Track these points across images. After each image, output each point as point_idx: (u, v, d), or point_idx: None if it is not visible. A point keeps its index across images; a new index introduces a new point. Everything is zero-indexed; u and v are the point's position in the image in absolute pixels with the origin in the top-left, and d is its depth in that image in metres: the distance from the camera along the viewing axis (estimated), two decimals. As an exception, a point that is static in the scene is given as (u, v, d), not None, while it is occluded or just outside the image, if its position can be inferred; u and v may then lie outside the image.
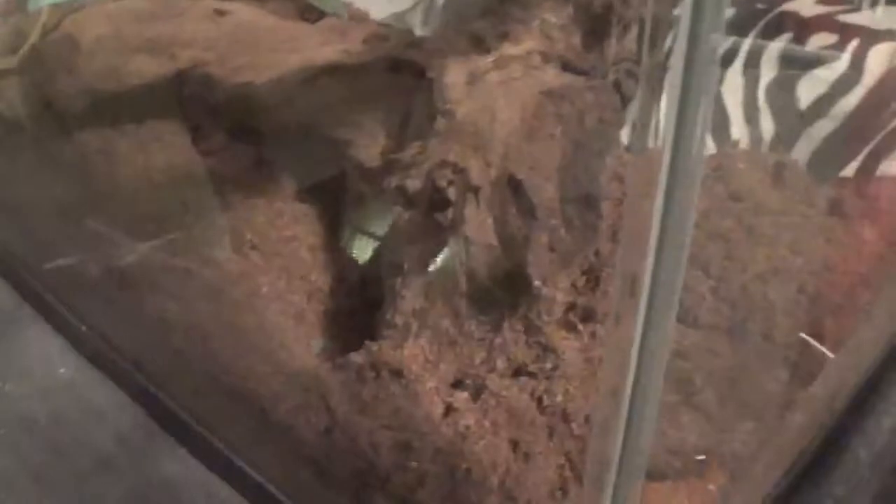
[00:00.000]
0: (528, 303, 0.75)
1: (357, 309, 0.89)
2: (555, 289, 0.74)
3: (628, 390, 0.57)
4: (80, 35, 0.95)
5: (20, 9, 1.19)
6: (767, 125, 1.17)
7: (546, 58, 0.86)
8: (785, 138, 1.14)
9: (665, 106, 0.49)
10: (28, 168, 1.03)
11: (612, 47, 0.93)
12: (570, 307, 0.77)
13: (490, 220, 0.76)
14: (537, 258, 0.74)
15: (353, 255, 0.96)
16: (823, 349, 0.89)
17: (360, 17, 1.17)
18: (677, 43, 0.47)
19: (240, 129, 0.97)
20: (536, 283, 0.73)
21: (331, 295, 0.89)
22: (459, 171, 0.78)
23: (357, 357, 0.79)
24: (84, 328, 1.00)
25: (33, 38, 1.06)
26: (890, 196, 1.02)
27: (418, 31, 1.14)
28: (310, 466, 0.80)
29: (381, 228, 0.96)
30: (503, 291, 0.76)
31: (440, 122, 0.82)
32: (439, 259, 0.80)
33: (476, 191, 0.76)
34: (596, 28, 0.92)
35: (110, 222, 0.97)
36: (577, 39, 0.92)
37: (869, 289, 0.91)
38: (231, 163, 0.97)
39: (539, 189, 0.74)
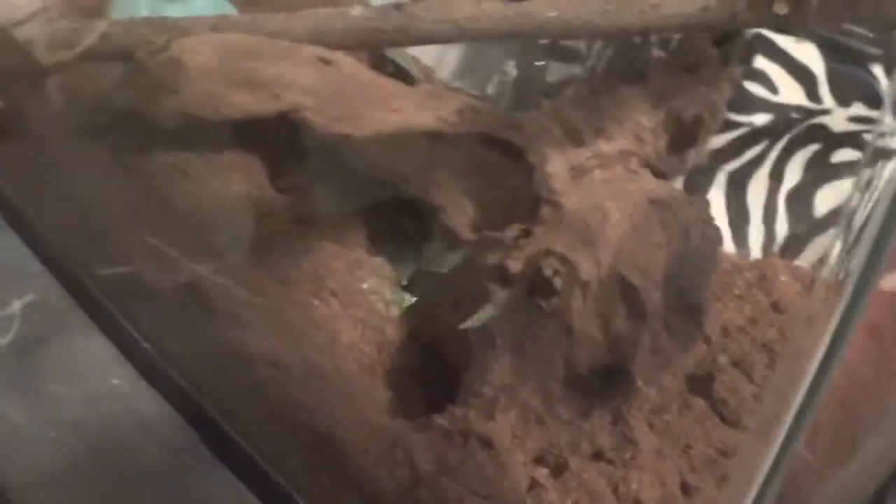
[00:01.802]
0: (621, 397, 0.81)
1: (426, 369, 0.93)
2: (650, 388, 0.80)
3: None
4: (188, 60, 0.98)
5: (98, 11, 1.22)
6: (782, 228, 1.24)
7: (643, 162, 0.92)
8: (796, 243, 1.22)
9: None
10: (98, 172, 1.05)
11: (692, 156, 0.99)
12: (656, 410, 0.83)
13: (597, 316, 0.81)
14: (643, 360, 0.79)
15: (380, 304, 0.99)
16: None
17: (428, 74, 1.22)
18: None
19: (325, 176, 1.00)
20: (640, 382, 0.79)
21: (401, 350, 0.93)
22: (567, 262, 0.83)
23: (443, 420, 0.83)
24: (140, 340, 1.02)
25: (92, 37, 1.08)
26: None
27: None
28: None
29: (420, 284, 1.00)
30: (599, 382, 0.81)
31: (545, 211, 0.87)
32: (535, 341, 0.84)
33: (584, 285, 0.82)
34: (682, 136, 0.98)
35: (179, 240, 0.99)
36: (663, 144, 0.98)
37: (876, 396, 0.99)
38: (308, 205, 1.01)
39: (649, 294, 0.80)
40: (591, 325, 0.80)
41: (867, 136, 1.30)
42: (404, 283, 1.02)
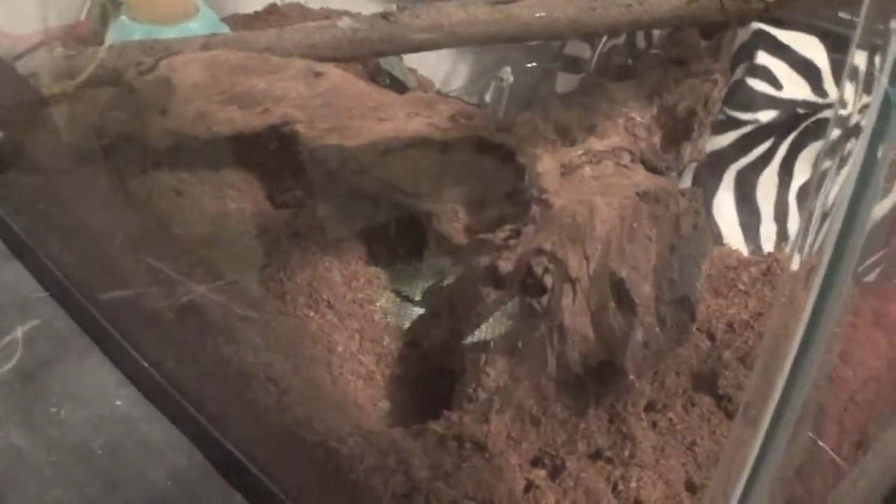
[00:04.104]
0: (616, 393, 0.79)
1: (423, 377, 0.92)
2: (644, 383, 0.79)
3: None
4: (177, 79, 0.98)
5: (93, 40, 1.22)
6: (794, 225, 1.22)
7: (634, 157, 0.91)
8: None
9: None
10: (97, 196, 1.06)
11: (688, 150, 0.98)
12: (651, 406, 0.81)
13: (588, 312, 0.80)
14: (634, 354, 0.78)
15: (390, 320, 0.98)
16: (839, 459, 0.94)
17: (425, 85, 1.21)
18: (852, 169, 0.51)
19: (319, 189, 1.00)
20: (632, 377, 0.77)
21: (399, 360, 0.92)
22: (557, 260, 0.81)
23: (437, 426, 0.82)
24: (142, 362, 1.02)
25: (91, 67, 1.09)
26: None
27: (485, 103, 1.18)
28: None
29: (416, 292, 0.99)
30: (592, 380, 0.80)
31: (535, 210, 0.86)
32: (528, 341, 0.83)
33: (574, 282, 0.80)
34: (677, 130, 0.97)
35: (178, 261, 0.99)
36: (657, 139, 0.97)
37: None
38: (305, 220, 1.00)
39: (639, 288, 0.79)
40: (582, 321, 0.79)
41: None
42: (416, 297, 1.01)
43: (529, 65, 1.11)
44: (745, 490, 0.62)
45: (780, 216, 1.22)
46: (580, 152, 0.90)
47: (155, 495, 0.91)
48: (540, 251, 0.83)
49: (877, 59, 0.52)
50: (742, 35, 1.22)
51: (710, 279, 1.02)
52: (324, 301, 0.94)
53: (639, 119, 0.94)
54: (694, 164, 1.16)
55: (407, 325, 0.99)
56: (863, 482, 0.98)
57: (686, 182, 1.16)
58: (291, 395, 0.89)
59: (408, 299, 1.02)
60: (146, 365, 0.99)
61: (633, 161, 0.91)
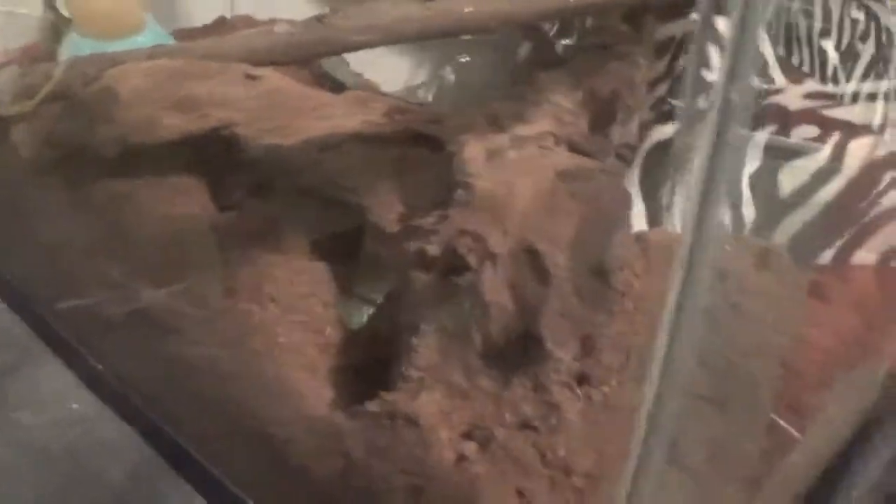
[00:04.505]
0: (537, 362, 0.82)
1: (367, 364, 0.94)
2: (564, 351, 0.81)
3: (635, 453, 0.63)
4: (120, 88, 1.01)
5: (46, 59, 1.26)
6: (749, 211, 1.23)
7: (558, 140, 0.94)
8: (765, 224, 1.21)
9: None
10: (51, 207, 1.08)
11: (616, 132, 1.00)
12: (574, 374, 0.83)
13: (507, 286, 0.82)
14: (550, 322, 0.80)
15: (348, 320, 1.00)
16: (792, 430, 0.95)
17: (371, 88, 1.24)
18: (706, 136, 0.54)
19: (260, 189, 1.02)
20: (549, 345, 0.79)
21: (342, 350, 0.95)
22: (479, 239, 0.84)
23: (373, 406, 0.84)
24: (98, 366, 1.04)
25: (49, 86, 1.12)
26: (866, 283, 1.09)
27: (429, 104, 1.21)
28: (324, 507, 0.85)
29: (377, 295, 1.02)
30: (515, 351, 0.82)
31: (460, 194, 0.89)
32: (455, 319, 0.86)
33: (494, 258, 0.83)
34: (603, 114, 1.00)
35: (128, 266, 1.02)
36: (584, 123, 0.99)
37: (845, 363, 0.99)
38: (249, 219, 1.03)
39: (554, 259, 0.81)
40: (503, 295, 0.82)
41: (823, 112, 1.30)
42: (373, 297, 1.03)
43: (462, 59, 1.14)
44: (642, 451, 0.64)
45: (735, 204, 1.24)
46: (506, 138, 0.93)
47: (112, 493, 0.93)
48: (464, 232, 0.85)
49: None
50: (686, 26, 1.24)
51: (648, 258, 1.04)
52: (267, 296, 0.96)
53: (565, 105, 0.97)
54: (644, 152, 1.19)
55: (361, 322, 1.01)
56: (809, 453, 0.99)
57: (636, 169, 1.18)
58: (236, 388, 0.91)
59: (360, 298, 1.04)
60: (101, 368, 1.01)
61: (557, 144, 0.93)
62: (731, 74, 0.52)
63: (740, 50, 0.52)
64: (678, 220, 1.15)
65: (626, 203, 0.85)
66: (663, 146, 1.25)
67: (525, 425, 0.83)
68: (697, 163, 0.54)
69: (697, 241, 0.56)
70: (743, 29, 0.52)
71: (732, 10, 0.53)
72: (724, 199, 0.54)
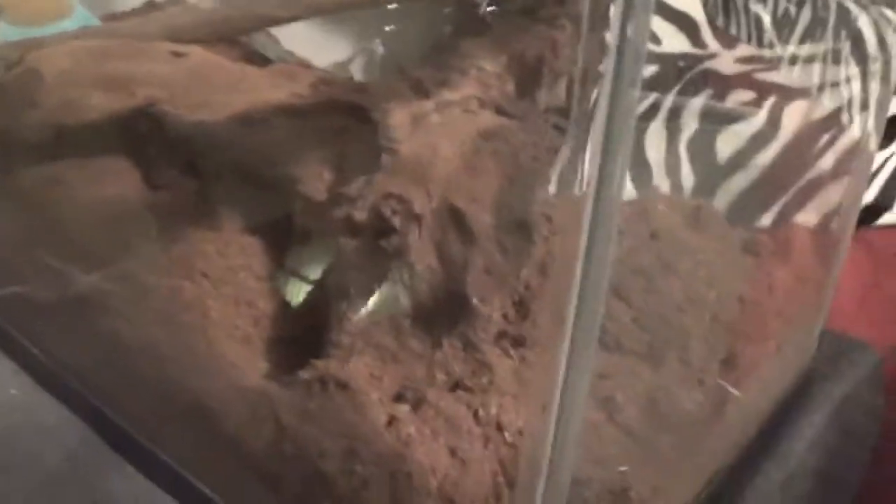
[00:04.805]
0: (466, 321, 0.82)
1: (301, 334, 0.94)
2: (491, 308, 0.81)
3: (556, 406, 0.64)
4: (44, 70, 1.00)
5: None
6: (687, 177, 1.24)
7: (482, 103, 0.94)
8: (704, 190, 1.22)
9: (589, 154, 0.56)
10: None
11: (542, 95, 1.01)
12: (504, 333, 0.83)
13: (432, 246, 0.82)
14: (475, 279, 0.81)
15: (287, 299, 1.00)
16: (730, 388, 0.96)
17: (303, 65, 1.24)
18: (599, 98, 0.54)
19: (191, 166, 1.02)
20: (475, 301, 0.80)
21: (276, 321, 0.95)
22: (403, 201, 0.84)
23: (304, 373, 0.84)
24: (35, 351, 1.04)
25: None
26: (802, 243, 1.10)
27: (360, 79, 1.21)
28: (258, 475, 0.85)
29: (314, 272, 1.01)
30: (443, 311, 0.82)
31: (385, 159, 0.89)
32: (383, 283, 0.86)
33: (419, 219, 0.83)
34: (528, 77, 1.00)
35: (61, 250, 1.01)
36: (511, 87, 1.00)
37: (780, 319, 1.00)
38: (181, 197, 1.03)
39: (477, 217, 0.82)
40: (428, 255, 0.82)
41: (759, 76, 1.31)
42: (312, 276, 1.03)
43: (387, 27, 1.14)
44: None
45: (672, 168, 1.24)
46: (431, 104, 0.93)
47: (50, 475, 0.93)
48: (389, 195, 0.86)
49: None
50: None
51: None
52: (198, 271, 0.96)
53: (489, 69, 0.97)
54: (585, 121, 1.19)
55: (300, 300, 1.01)
56: (746, 408, 1.00)
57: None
58: (170, 364, 0.91)
59: (302, 277, 1.04)
60: (38, 354, 1.01)
61: (482, 107, 0.94)
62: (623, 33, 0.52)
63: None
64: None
65: (548, 161, 0.85)
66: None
67: (457, 385, 0.83)
68: (597, 122, 0.54)
69: (599, 198, 0.56)
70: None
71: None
72: (625, 158, 0.54)
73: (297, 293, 1.02)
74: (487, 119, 0.90)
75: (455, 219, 0.82)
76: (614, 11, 0.53)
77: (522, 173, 0.84)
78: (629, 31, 0.52)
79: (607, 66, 0.53)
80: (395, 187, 0.85)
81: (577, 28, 1.04)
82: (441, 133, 0.88)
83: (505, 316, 0.83)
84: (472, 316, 0.81)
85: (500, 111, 0.95)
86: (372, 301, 0.87)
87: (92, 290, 0.99)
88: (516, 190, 0.83)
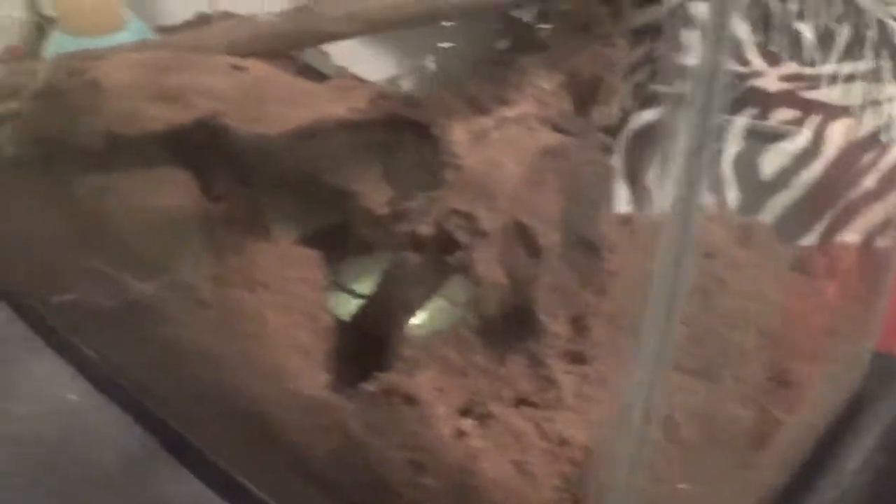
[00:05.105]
0: (532, 337, 0.83)
1: (360, 347, 0.95)
2: (557, 325, 0.82)
3: (628, 424, 0.65)
4: (104, 80, 1.01)
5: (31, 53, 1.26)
6: (732, 195, 1.24)
7: (541, 121, 0.95)
8: (749, 208, 1.23)
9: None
10: (40, 204, 1.09)
11: (597, 113, 1.02)
12: (568, 349, 0.85)
13: (498, 262, 0.84)
14: (542, 296, 0.82)
15: (336, 313, 1.01)
16: (783, 402, 0.97)
17: (359, 80, 1.25)
18: (683, 119, 0.55)
19: (249, 177, 1.03)
20: (542, 317, 0.81)
21: (335, 333, 0.96)
22: (469, 217, 0.86)
23: (369, 385, 0.85)
24: (92, 355, 1.05)
25: (34, 85, 1.12)
26: (850, 261, 1.11)
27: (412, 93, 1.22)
28: (318, 483, 0.87)
29: (367, 286, 1.03)
30: (509, 326, 0.84)
31: (448, 174, 0.90)
32: (448, 297, 0.87)
33: (484, 235, 0.84)
34: (584, 95, 1.01)
35: (119, 258, 1.03)
36: (567, 105, 1.01)
37: (832, 339, 1.01)
38: (238, 208, 1.04)
39: (544, 234, 0.83)
40: (495, 271, 0.83)
41: (803, 94, 1.32)
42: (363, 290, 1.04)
43: (443, 45, 1.15)
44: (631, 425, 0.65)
45: (718, 187, 1.25)
46: (490, 120, 0.94)
47: (106, 479, 0.94)
48: (454, 211, 0.87)
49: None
50: (664, 9, 1.26)
51: (637, 241, 1.06)
52: (258, 282, 0.97)
53: (546, 87, 0.98)
54: (626, 139, 1.20)
55: (351, 313, 1.02)
56: (801, 426, 1.01)
57: (618, 156, 1.20)
58: (228, 371, 0.92)
59: (352, 292, 1.06)
60: (96, 359, 1.02)
61: (540, 125, 0.95)
62: (711, 57, 0.53)
63: (718, 32, 0.53)
64: (663, 202, 1.16)
65: (608, 178, 0.86)
66: (645, 131, 1.27)
67: (522, 400, 0.85)
68: (680, 146, 0.55)
69: (683, 221, 0.57)
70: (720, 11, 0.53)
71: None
72: (707, 180, 0.55)
73: (346, 307, 1.03)
74: (547, 136, 0.91)
75: (521, 235, 0.83)
76: (703, 35, 0.54)
77: (584, 191, 0.85)
78: (717, 56, 0.53)
79: (691, 89, 0.54)
80: (460, 203, 0.86)
81: (632, 46, 1.06)
82: (502, 149, 0.89)
83: (568, 332, 0.84)
84: (539, 332, 0.82)
85: (557, 129, 0.96)
86: (433, 314, 0.88)
87: (149, 298, 1.00)
88: (580, 206, 0.84)
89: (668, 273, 0.60)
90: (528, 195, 0.86)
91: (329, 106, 1.03)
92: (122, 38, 1.22)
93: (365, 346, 0.96)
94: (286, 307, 0.96)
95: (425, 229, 0.88)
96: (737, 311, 0.98)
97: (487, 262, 0.84)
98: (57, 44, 1.23)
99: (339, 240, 1.05)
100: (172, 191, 1.05)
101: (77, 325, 1.06)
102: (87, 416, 1.01)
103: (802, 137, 1.24)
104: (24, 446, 0.97)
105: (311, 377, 0.92)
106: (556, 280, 0.82)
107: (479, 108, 0.98)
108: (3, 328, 1.10)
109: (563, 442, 0.83)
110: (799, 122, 1.26)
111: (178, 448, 0.97)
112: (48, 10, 1.29)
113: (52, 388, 1.03)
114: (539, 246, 0.82)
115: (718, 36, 0.53)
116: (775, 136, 1.26)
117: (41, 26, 1.29)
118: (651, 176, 1.26)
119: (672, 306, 0.61)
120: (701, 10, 1.25)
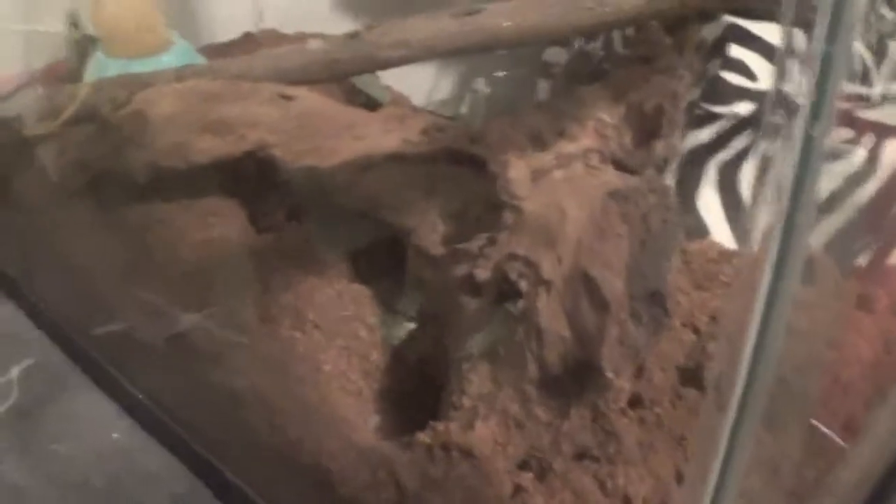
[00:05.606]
0: (596, 391, 0.80)
1: (412, 389, 0.93)
2: (623, 380, 0.79)
3: (715, 478, 0.62)
4: (150, 111, 0.99)
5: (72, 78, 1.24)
6: (784, 217, 1.21)
7: (603, 157, 0.92)
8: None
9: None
10: (83, 232, 1.07)
11: (659, 146, 0.98)
12: (632, 401, 0.82)
13: (562, 313, 0.80)
14: (610, 351, 0.79)
15: (386, 337, 0.99)
16: (838, 439, 0.94)
17: (402, 102, 1.22)
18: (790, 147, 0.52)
19: (299, 211, 1.01)
20: (609, 374, 0.78)
21: (387, 374, 0.93)
22: (530, 264, 0.82)
23: (424, 437, 0.82)
24: (138, 394, 1.03)
25: (73, 106, 1.10)
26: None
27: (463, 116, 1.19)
28: (372, 536, 0.84)
29: (412, 308, 1.00)
30: (572, 380, 0.81)
31: (508, 216, 0.87)
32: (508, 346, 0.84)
33: (548, 285, 0.81)
34: (645, 127, 0.98)
35: (165, 291, 1.00)
36: (628, 139, 0.97)
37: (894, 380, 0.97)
38: (289, 242, 1.02)
39: (611, 285, 0.80)
40: (558, 322, 0.80)
41: (857, 114, 1.28)
42: (411, 312, 1.02)
43: (498, 73, 1.12)
44: (721, 473, 0.62)
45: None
46: (550, 156, 0.91)
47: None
48: (514, 256, 0.84)
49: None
50: (715, 29, 1.23)
51: (691, 272, 1.03)
52: (310, 321, 0.95)
53: (608, 120, 0.95)
54: (678, 160, 1.17)
55: (401, 338, 0.99)
56: (856, 466, 0.98)
57: (670, 179, 1.17)
58: (281, 417, 0.90)
59: (401, 314, 1.03)
60: (141, 397, 1.00)
61: (602, 161, 0.92)
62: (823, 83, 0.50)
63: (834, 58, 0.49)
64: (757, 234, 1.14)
65: (678, 223, 0.83)
66: (697, 152, 1.24)
67: (583, 455, 0.82)
68: (781, 175, 0.52)
69: (786, 257, 0.53)
70: (835, 36, 0.49)
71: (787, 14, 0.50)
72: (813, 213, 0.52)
73: (398, 330, 1.00)
74: (612, 177, 0.88)
75: (587, 286, 0.80)
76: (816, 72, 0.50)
77: (653, 238, 0.82)
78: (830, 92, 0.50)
79: (791, 123, 0.51)
80: (521, 248, 0.83)
81: (696, 78, 1.02)
82: (566, 191, 0.86)
83: (632, 382, 0.81)
84: (605, 386, 0.79)
85: (619, 165, 0.93)
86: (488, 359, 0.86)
87: (197, 334, 0.98)
88: (648, 255, 0.81)
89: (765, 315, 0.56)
90: (593, 242, 0.83)
91: (382, 138, 1.01)
92: (167, 60, 1.20)
93: (418, 386, 0.94)
94: (339, 348, 0.94)
95: (483, 274, 0.85)
96: (804, 356, 0.94)
97: (551, 313, 0.81)
98: (98, 65, 1.21)
99: (386, 261, 1.03)
100: (221, 222, 1.03)
101: (121, 359, 1.04)
102: (134, 458, 0.99)
103: (857, 157, 1.21)
104: (71, 490, 0.95)
105: (363, 421, 0.90)
106: (623, 333, 0.79)
107: (539, 142, 0.95)
108: (45, 362, 1.08)
109: (626, 498, 0.81)
110: (854, 142, 1.23)
111: (229, 495, 0.95)
112: (91, 29, 1.27)
113: (96, 426, 1.01)
114: (605, 298, 0.79)
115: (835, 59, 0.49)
116: (830, 156, 1.22)
117: (84, 44, 1.27)
118: (703, 195, 1.23)
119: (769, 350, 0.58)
120: (759, 30, 1.21)
